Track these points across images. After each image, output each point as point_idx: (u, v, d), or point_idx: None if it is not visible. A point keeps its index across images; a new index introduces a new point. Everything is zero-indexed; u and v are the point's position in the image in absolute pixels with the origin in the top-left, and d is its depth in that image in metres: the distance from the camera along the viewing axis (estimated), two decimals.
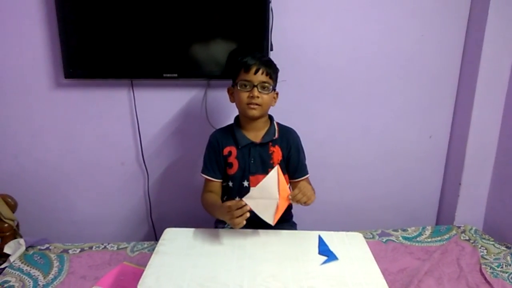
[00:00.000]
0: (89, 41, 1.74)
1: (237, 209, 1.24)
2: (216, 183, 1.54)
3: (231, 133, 1.52)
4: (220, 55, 1.79)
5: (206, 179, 1.54)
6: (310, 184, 1.58)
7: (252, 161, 1.49)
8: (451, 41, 1.98)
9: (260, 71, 1.42)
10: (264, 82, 1.43)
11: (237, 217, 1.24)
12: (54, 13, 1.69)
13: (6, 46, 1.77)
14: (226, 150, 1.51)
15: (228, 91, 1.55)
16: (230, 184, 1.54)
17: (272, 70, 1.46)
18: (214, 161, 1.53)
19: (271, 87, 1.46)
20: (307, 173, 1.59)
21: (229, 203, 1.29)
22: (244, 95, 1.44)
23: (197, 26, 1.75)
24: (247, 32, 1.78)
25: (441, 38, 1.96)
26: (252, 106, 1.44)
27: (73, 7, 1.69)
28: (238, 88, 1.45)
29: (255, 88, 1.42)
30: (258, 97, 1.43)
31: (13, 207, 1.74)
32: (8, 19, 1.74)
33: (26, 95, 1.84)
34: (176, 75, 1.79)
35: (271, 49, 1.79)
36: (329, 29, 1.90)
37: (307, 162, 1.61)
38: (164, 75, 1.78)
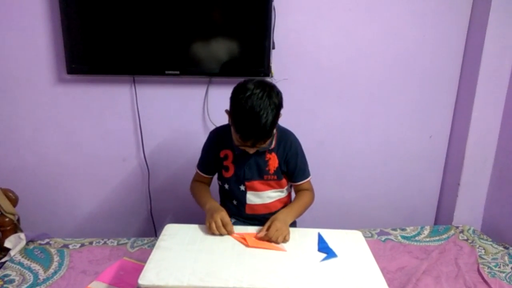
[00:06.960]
0: (92, 37, 1.75)
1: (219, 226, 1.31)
2: (206, 177, 1.58)
3: (230, 135, 1.45)
4: (222, 53, 1.80)
5: (197, 172, 1.58)
6: (311, 187, 1.56)
7: (247, 168, 1.48)
8: (452, 42, 1.99)
9: (258, 143, 1.33)
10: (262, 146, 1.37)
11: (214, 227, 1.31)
12: (58, 9, 1.70)
13: (10, 42, 1.78)
14: (222, 153, 1.50)
15: (226, 113, 1.38)
16: (226, 186, 1.54)
17: (271, 134, 1.34)
18: (207, 159, 1.54)
19: (270, 141, 1.40)
20: (307, 177, 1.54)
21: (217, 223, 1.31)
22: (241, 146, 1.38)
23: (200, 23, 1.75)
24: (249, 30, 1.78)
25: (442, 38, 1.97)
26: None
27: (76, 3, 1.70)
28: (235, 140, 1.37)
29: (252, 148, 1.37)
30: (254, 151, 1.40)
31: (14, 201, 1.74)
32: (12, 15, 1.75)
33: (28, 90, 1.85)
34: (178, 72, 1.80)
35: (273, 48, 1.80)
36: (331, 28, 1.90)
37: (308, 161, 1.58)
38: (166, 72, 1.79)
